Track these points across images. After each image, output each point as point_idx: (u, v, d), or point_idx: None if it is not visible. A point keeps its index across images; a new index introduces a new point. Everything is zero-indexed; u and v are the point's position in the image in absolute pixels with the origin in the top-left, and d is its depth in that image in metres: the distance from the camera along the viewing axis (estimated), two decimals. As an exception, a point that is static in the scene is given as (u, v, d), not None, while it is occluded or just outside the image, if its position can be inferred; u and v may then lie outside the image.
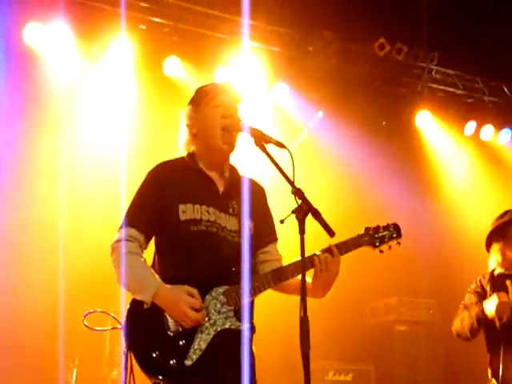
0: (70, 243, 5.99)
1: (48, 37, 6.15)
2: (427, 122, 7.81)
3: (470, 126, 7.91)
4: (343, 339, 7.10)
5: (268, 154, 2.80)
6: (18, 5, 5.97)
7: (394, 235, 3.09)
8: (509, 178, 8.15)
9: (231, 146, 3.03)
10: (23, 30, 6.09)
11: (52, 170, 6.30)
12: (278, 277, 2.90)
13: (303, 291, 2.50)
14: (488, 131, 8.00)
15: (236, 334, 2.80)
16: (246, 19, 6.56)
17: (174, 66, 6.68)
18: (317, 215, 2.64)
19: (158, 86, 6.65)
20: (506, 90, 8.04)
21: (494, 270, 4.76)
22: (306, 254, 2.73)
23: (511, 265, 4.69)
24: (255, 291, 2.86)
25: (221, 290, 2.83)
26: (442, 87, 7.83)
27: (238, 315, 2.82)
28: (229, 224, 2.97)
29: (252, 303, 2.92)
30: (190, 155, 3.08)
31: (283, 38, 7.02)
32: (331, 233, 2.66)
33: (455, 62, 7.73)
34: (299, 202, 2.64)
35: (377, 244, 3.06)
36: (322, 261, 2.89)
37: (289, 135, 7.05)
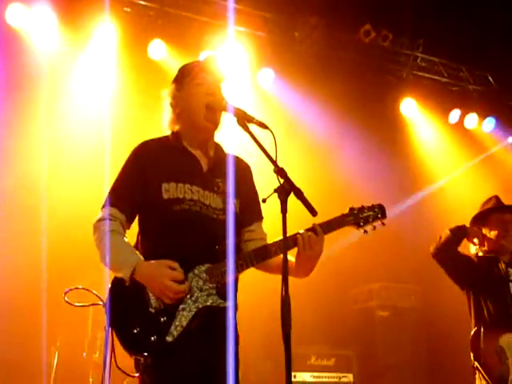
0: (53, 223, 5.95)
1: (31, 18, 6.08)
2: (412, 110, 7.83)
3: (455, 114, 7.94)
4: (326, 324, 7.12)
5: (251, 133, 2.80)
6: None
7: (379, 215, 3.07)
8: (492, 164, 8.21)
9: (215, 124, 3.00)
10: (5, 11, 6.02)
11: (36, 150, 6.26)
12: (261, 255, 2.89)
13: (285, 270, 2.51)
14: (472, 119, 8.04)
15: (218, 311, 2.79)
16: (231, 3, 6.56)
17: (159, 49, 6.64)
18: (299, 194, 2.64)
19: (143, 68, 6.61)
20: (490, 78, 8.08)
21: (477, 254, 4.82)
22: (290, 234, 2.74)
23: (490, 249, 4.77)
24: (238, 269, 2.85)
25: (203, 267, 2.81)
26: (427, 75, 7.84)
27: (220, 293, 2.80)
28: (213, 202, 2.95)
29: (235, 281, 2.91)
30: (175, 134, 3.06)
31: (269, 23, 6.99)
32: (314, 212, 2.66)
33: (440, 50, 7.74)
34: (281, 181, 2.64)
35: (361, 224, 3.04)
36: (305, 239, 2.88)
37: (273, 120, 7.02)
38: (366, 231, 3.07)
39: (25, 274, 5.95)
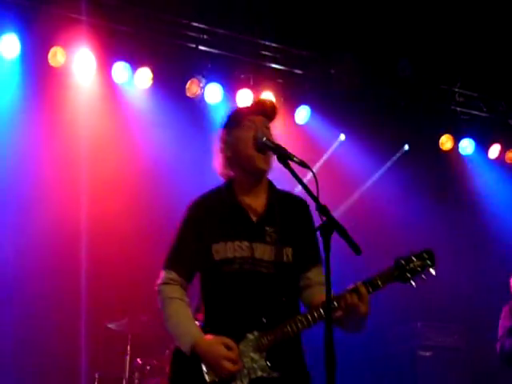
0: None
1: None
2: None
3: (495, 148, 7.83)
4: (366, 366, 6.98)
5: (292, 171, 2.79)
6: None
7: (428, 263, 2.86)
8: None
9: (266, 166, 2.98)
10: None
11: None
12: (305, 321, 2.79)
13: (328, 337, 2.43)
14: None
15: (269, 382, 2.77)
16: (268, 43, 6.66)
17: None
18: (342, 232, 2.59)
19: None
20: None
21: None
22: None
23: None
24: (284, 336, 2.78)
25: (252, 336, 2.80)
26: (465, 110, 7.76)
27: (270, 362, 2.77)
28: (265, 254, 2.91)
29: (289, 348, 2.84)
30: (228, 184, 3.07)
31: (305, 60, 7.02)
32: (358, 251, 2.57)
33: (479, 85, 7.67)
34: (324, 219, 2.58)
35: (408, 276, 2.84)
36: (349, 304, 2.75)
37: (312, 158, 7.02)
38: (414, 284, 2.87)
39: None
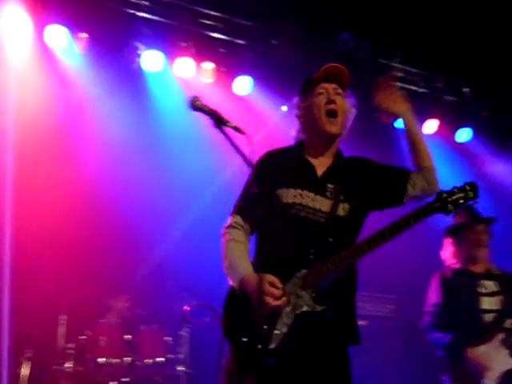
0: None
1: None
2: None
3: (432, 124, 7.96)
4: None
5: (227, 135, 2.83)
6: None
7: (471, 195, 2.94)
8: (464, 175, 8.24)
9: (336, 130, 3.19)
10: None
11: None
12: (355, 252, 2.93)
13: None
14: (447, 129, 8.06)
15: (314, 316, 2.89)
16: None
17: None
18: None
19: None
20: (466, 89, 8.13)
21: (453, 264, 4.82)
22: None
23: (460, 260, 4.78)
24: (329, 272, 2.90)
25: (300, 274, 2.93)
26: (403, 85, 7.85)
27: (316, 298, 2.90)
28: (323, 206, 3.07)
29: (337, 284, 2.95)
30: (299, 143, 3.29)
31: (247, 30, 6.96)
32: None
33: (417, 60, 7.77)
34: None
35: (450, 208, 2.93)
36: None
37: (254, 128, 6.99)
38: (456, 213, 3.01)
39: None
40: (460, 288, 4.70)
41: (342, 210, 3.08)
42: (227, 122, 2.84)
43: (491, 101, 8.20)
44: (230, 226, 3.16)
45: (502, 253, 5.02)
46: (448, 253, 4.88)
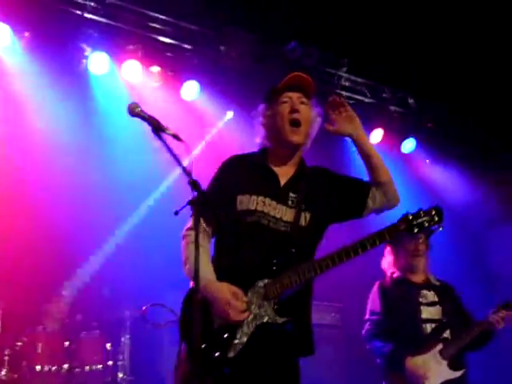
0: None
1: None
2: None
3: (377, 133, 8.07)
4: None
5: (165, 143, 2.77)
6: None
7: (436, 219, 3.02)
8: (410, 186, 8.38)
9: (299, 140, 3.19)
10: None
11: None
12: (312, 269, 2.95)
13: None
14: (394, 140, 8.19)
15: (275, 327, 2.90)
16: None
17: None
18: (212, 207, 2.65)
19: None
20: (410, 100, 8.27)
21: (390, 275, 4.87)
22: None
23: (399, 269, 4.84)
24: (292, 284, 2.91)
25: (262, 283, 2.94)
26: (350, 94, 7.93)
27: (277, 309, 2.91)
28: (285, 215, 3.08)
29: (297, 296, 2.97)
30: (262, 150, 3.29)
31: (195, 35, 6.93)
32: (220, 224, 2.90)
33: (365, 70, 7.86)
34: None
35: (415, 231, 3.01)
36: None
37: (199, 134, 6.98)
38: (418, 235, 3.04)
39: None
40: (400, 297, 4.75)
41: (304, 219, 3.09)
42: (165, 129, 2.79)
43: (435, 112, 8.36)
44: (191, 228, 3.09)
45: (439, 261, 5.10)
46: (388, 262, 4.93)
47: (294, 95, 3.20)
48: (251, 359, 2.88)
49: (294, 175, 3.22)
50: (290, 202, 3.11)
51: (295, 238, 3.02)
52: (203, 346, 2.85)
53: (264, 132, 3.27)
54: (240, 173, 3.21)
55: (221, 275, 3.01)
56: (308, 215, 3.10)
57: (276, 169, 3.22)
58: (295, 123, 3.16)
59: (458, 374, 4.51)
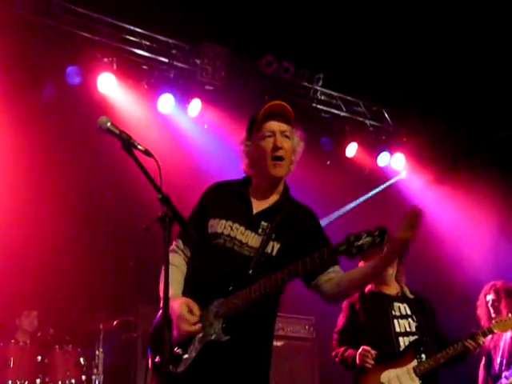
0: None
1: None
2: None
3: (352, 147, 8.14)
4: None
5: (136, 159, 2.75)
6: None
7: (377, 241, 2.85)
8: (385, 198, 8.45)
9: (280, 174, 3.17)
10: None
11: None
12: (258, 290, 2.93)
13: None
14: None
15: (221, 345, 2.94)
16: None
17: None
18: (182, 223, 2.66)
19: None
20: (386, 114, 8.37)
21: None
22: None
23: (374, 283, 4.85)
24: (240, 304, 2.94)
25: (217, 302, 3.00)
26: (326, 108, 8.00)
27: (225, 327, 2.95)
28: (251, 241, 3.11)
29: (249, 314, 2.97)
30: (245, 179, 3.31)
31: (171, 48, 6.95)
32: (196, 242, 2.90)
33: (340, 84, 7.94)
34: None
35: (354, 253, 2.87)
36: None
37: (175, 147, 6.98)
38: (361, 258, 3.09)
39: None
40: (372, 309, 4.77)
41: (271, 248, 3.08)
42: (137, 144, 2.76)
43: (410, 126, 8.46)
44: (171, 251, 3.16)
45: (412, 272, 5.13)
46: None
47: (278, 128, 3.13)
48: (198, 375, 2.94)
49: (271, 205, 3.20)
50: (260, 230, 3.12)
51: (257, 262, 3.03)
52: (156, 359, 2.96)
53: (247, 161, 3.26)
54: (218, 198, 3.27)
55: (187, 291, 3.11)
56: (277, 245, 3.09)
57: (255, 196, 3.23)
58: (279, 158, 3.13)
59: None
